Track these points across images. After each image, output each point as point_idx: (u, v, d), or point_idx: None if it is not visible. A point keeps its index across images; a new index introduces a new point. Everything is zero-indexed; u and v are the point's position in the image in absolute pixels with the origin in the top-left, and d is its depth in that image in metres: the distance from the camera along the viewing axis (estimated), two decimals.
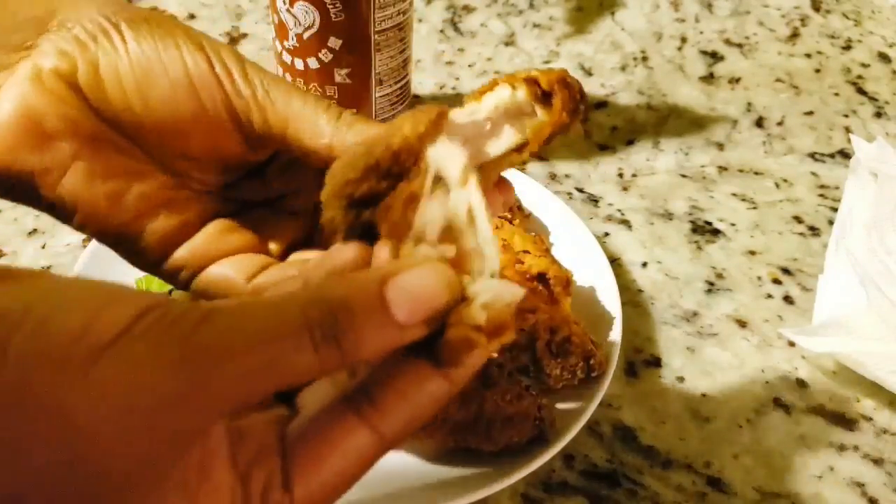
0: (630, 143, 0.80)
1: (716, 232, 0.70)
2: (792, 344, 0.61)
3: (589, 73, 0.89)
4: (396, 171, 0.31)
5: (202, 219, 0.38)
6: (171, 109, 0.35)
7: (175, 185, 0.38)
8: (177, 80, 0.35)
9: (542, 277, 0.55)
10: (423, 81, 0.86)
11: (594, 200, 0.73)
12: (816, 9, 1.01)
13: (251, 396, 0.25)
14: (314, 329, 0.25)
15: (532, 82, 0.33)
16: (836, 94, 0.87)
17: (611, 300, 0.58)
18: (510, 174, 0.65)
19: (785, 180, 0.76)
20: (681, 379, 0.59)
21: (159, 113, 0.35)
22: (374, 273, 0.27)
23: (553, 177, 0.75)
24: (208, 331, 0.24)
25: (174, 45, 0.35)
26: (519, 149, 0.34)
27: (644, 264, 0.67)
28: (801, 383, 0.59)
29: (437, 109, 0.31)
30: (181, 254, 0.38)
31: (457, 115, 0.32)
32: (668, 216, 0.72)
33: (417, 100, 0.82)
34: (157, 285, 0.59)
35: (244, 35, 0.91)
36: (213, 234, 0.38)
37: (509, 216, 0.61)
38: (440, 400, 0.27)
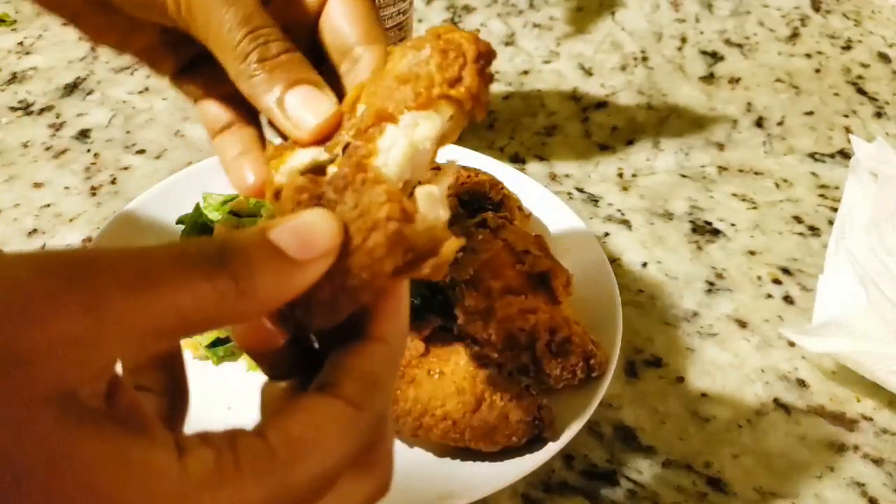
0: (630, 143, 0.80)
1: (716, 232, 0.70)
2: (792, 344, 0.60)
3: (589, 73, 0.89)
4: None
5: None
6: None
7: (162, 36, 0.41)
8: None
9: (542, 277, 0.55)
10: None
11: (594, 200, 0.73)
12: (816, 9, 1.01)
13: (154, 332, 0.24)
14: (206, 261, 0.25)
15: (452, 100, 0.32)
16: (836, 94, 0.87)
17: (611, 300, 0.58)
18: (513, 174, 0.65)
19: (785, 180, 0.76)
20: (681, 379, 0.59)
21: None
22: (255, 227, 0.28)
23: (553, 177, 0.75)
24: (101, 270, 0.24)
25: None
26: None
27: (644, 264, 0.67)
28: (801, 383, 0.59)
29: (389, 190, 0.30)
30: (186, 87, 0.42)
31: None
32: (668, 216, 0.72)
33: None
34: None
35: None
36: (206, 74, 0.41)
37: (509, 216, 0.61)
38: (395, 356, 0.30)
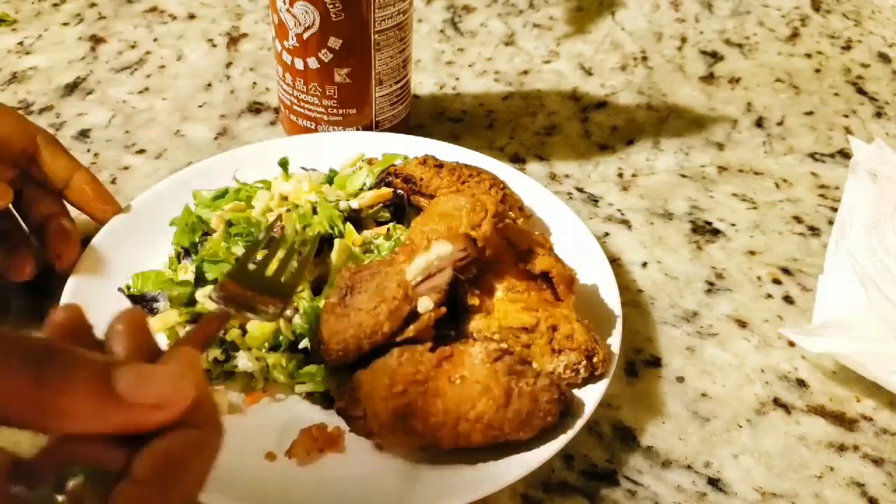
0: (630, 143, 0.80)
1: (716, 232, 0.70)
2: (792, 344, 0.61)
3: (589, 73, 0.89)
4: None
5: None
6: None
7: None
8: None
9: (545, 276, 0.55)
10: (423, 81, 0.86)
11: (594, 200, 0.73)
12: (816, 9, 1.01)
13: None
14: (31, 356, 0.27)
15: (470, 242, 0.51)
16: (836, 94, 0.87)
17: (611, 300, 0.58)
18: (513, 174, 0.65)
19: (785, 180, 0.76)
20: (681, 379, 0.59)
21: None
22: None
23: (553, 177, 0.75)
24: None
25: None
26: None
27: (644, 264, 0.67)
28: (801, 383, 0.59)
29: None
30: None
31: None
32: (668, 216, 0.72)
33: (417, 99, 0.82)
34: (152, 284, 0.59)
35: (244, 35, 0.91)
36: None
37: (513, 216, 0.61)
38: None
